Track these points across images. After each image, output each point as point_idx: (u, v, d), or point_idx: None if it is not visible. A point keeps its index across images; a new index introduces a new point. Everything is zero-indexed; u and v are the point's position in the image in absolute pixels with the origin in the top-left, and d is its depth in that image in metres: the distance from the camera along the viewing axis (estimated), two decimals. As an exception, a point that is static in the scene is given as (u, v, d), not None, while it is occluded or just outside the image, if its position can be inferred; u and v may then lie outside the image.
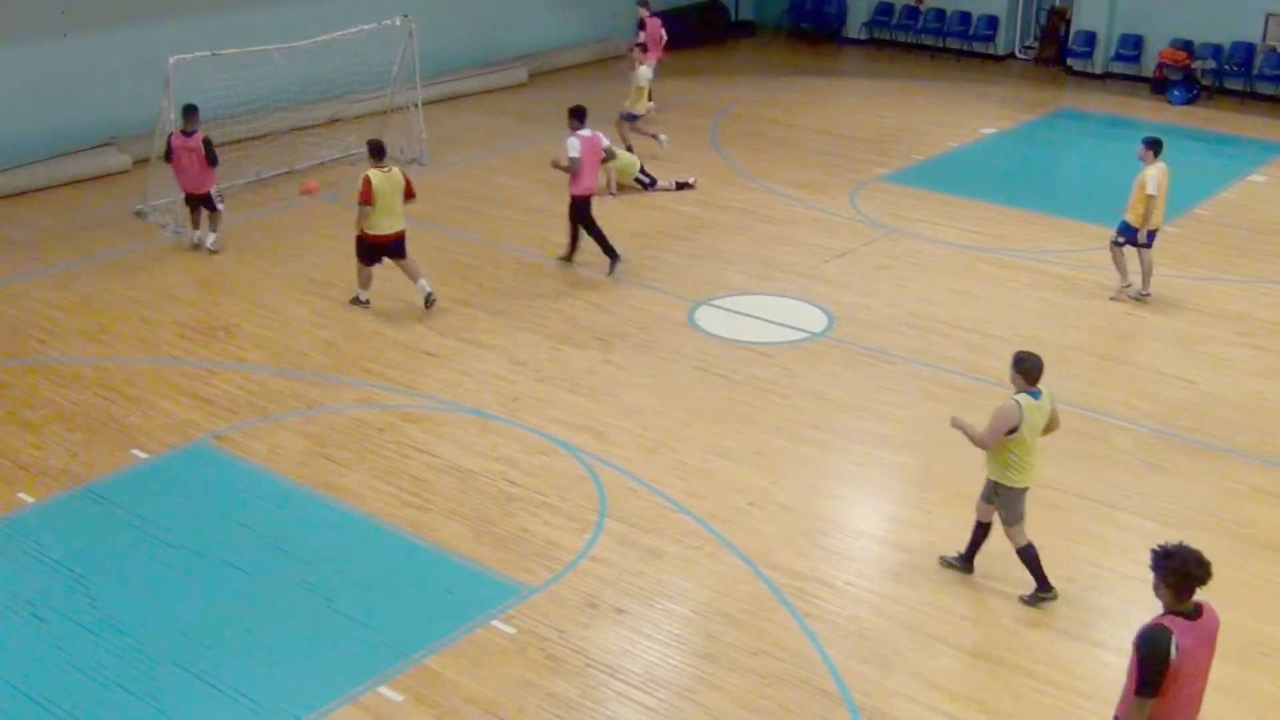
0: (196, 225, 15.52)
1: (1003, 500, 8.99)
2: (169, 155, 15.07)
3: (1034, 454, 8.90)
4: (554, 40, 25.06)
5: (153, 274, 14.80)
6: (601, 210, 16.69)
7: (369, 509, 10.19)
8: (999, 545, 9.21)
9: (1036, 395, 8.77)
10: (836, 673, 8.40)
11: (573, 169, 14.42)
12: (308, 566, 9.45)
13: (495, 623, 8.83)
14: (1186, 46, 23.34)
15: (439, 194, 17.54)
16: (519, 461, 10.89)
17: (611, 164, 17.31)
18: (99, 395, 11.96)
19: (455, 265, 15.09)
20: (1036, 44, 26.15)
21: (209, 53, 16.22)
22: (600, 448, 11.11)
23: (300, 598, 9.12)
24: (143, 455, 10.96)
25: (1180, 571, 6.11)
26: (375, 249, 13.52)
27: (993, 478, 8.98)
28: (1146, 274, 14.19)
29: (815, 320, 13.73)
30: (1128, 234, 14.02)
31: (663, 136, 19.29)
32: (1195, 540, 6.38)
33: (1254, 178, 18.97)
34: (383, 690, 8.20)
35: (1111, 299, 14.29)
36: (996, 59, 26.10)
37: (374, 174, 13.16)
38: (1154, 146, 13.73)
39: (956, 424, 8.93)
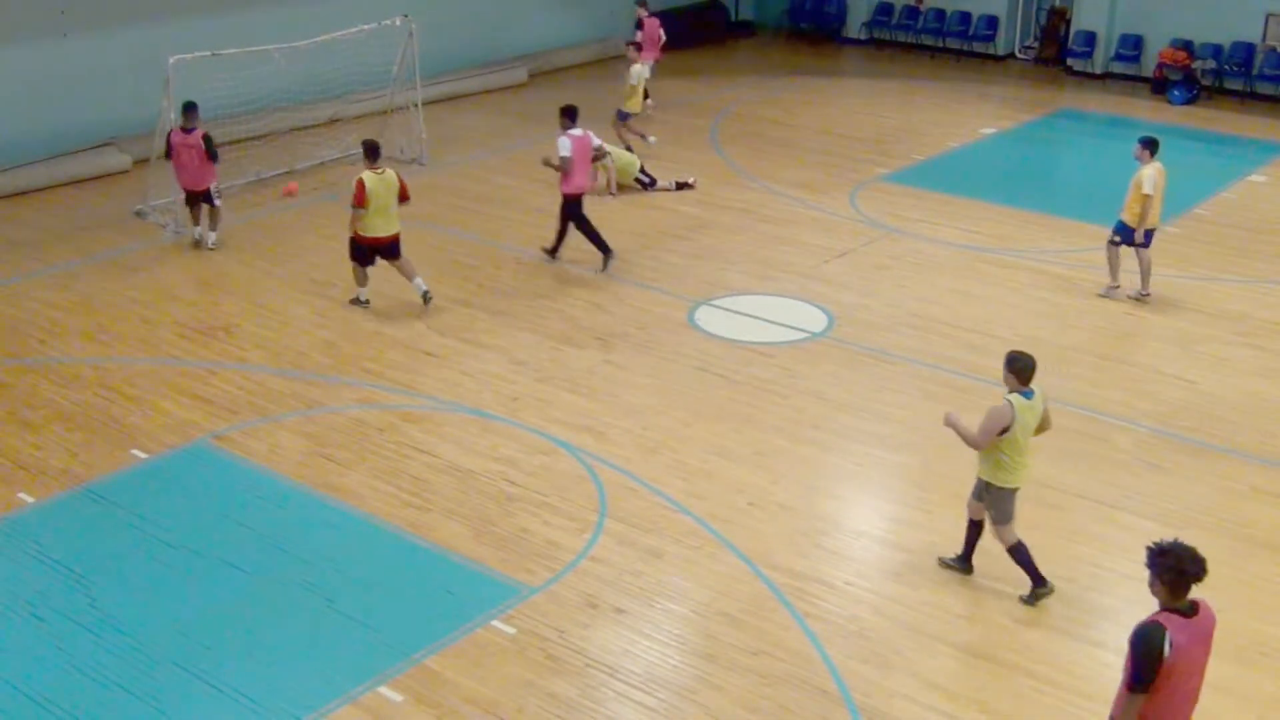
0: (197, 222, 15.55)
1: (992, 499, 9.00)
2: (169, 153, 15.10)
3: (1026, 454, 8.91)
4: (554, 40, 25.07)
5: (153, 274, 14.80)
6: (601, 210, 16.72)
7: (369, 509, 10.19)
8: (997, 545, 9.20)
9: (1029, 395, 8.77)
10: (836, 673, 8.40)
11: (564, 168, 14.45)
12: (308, 566, 9.45)
13: (495, 623, 8.84)
14: (1186, 46, 23.34)
15: (439, 194, 17.56)
16: (519, 461, 10.89)
17: (610, 163, 17.38)
18: (99, 395, 11.96)
19: (455, 265, 15.10)
20: (1036, 44, 26.15)
21: (209, 53, 16.22)
22: (600, 448, 11.11)
23: (300, 598, 9.12)
24: (143, 455, 10.96)
25: (1175, 568, 6.13)
26: (369, 251, 13.53)
27: (984, 477, 8.99)
28: (1145, 274, 14.20)
29: (815, 320, 13.74)
30: (1124, 234, 14.04)
31: (651, 138, 19.28)
32: (1195, 540, 6.38)
33: (1254, 178, 18.97)
34: (383, 690, 8.20)
35: (1099, 295, 14.33)
36: (996, 59, 26.10)
37: (368, 176, 13.15)
38: (1150, 146, 13.74)
39: (950, 423, 8.94)
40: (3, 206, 16.96)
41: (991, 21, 26.02)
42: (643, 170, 17.79)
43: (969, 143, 20.58)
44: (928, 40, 26.72)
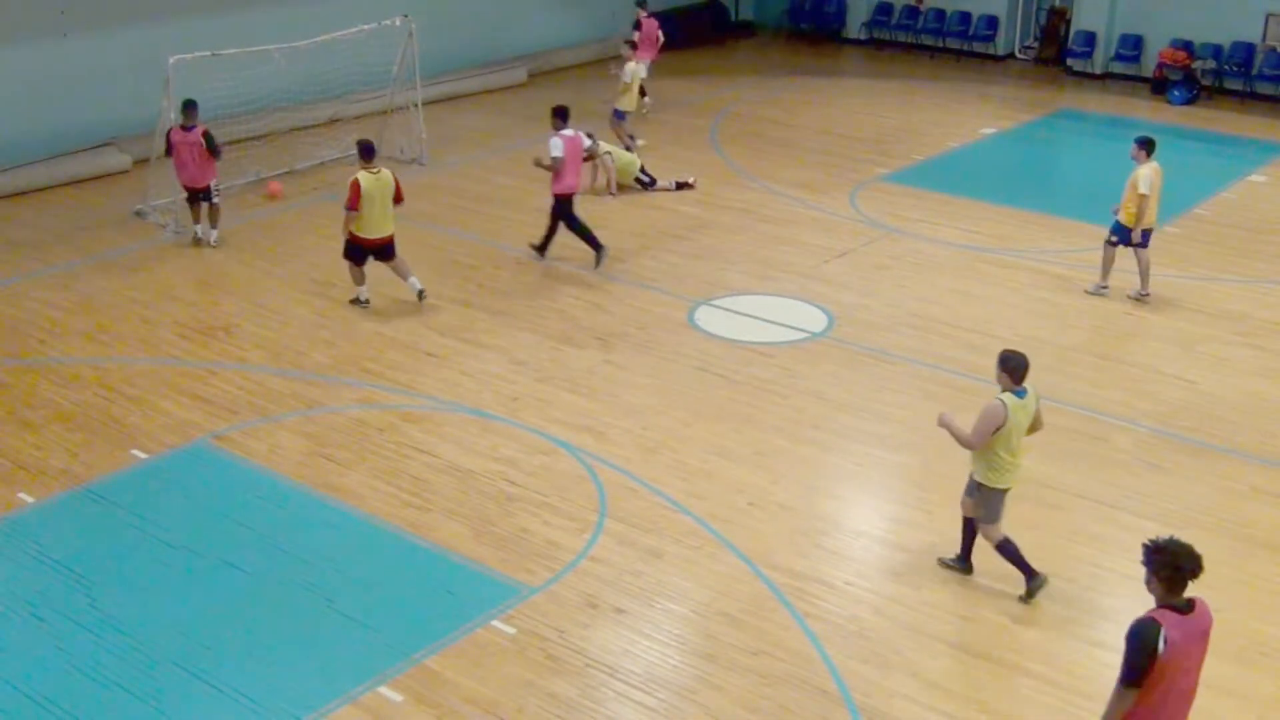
0: (197, 220, 15.58)
1: (982, 499, 9.02)
2: (169, 151, 15.12)
3: (1019, 454, 8.91)
4: (554, 40, 25.07)
5: (153, 274, 14.80)
6: (601, 210, 16.74)
7: (369, 509, 10.19)
8: (999, 545, 9.22)
9: (1021, 394, 8.78)
10: (836, 673, 8.40)
11: (555, 168, 14.49)
12: (308, 566, 9.45)
13: (495, 623, 8.84)
14: (1186, 46, 23.34)
15: (439, 194, 17.56)
16: (519, 461, 10.89)
17: (609, 162, 17.41)
18: (99, 395, 11.96)
19: (455, 265, 15.10)
20: (1036, 44, 26.15)
21: (209, 53, 16.22)
22: (600, 448, 11.11)
23: (300, 598, 9.12)
24: (143, 455, 10.96)
25: (1171, 565, 6.15)
26: (364, 251, 13.54)
27: (976, 478, 8.99)
28: (1145, 274, 14.20)
29: (815, 320, 13.74)
30: (1121, 234, 14.05)
31: (639, 141, 19.26)
32: (1195, 540, 6.38)
33: (1254, 178, 18.97)
34: (383, 690, 8.20)
35: (1087, 293, 14.37)
36: (996, 59, 26.10)
37: (363, 176, 13.17)
38: (1146, 146, 13.76)
39: (943, 424, 8.95)
40: (3, 206, 16.96)
41: (991, 21, 26.03)
42: (643, 170, 17.79)
43: (969, 143, 20.58)
44: (928, 40, 26.71)
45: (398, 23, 18.23)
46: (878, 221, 16.72)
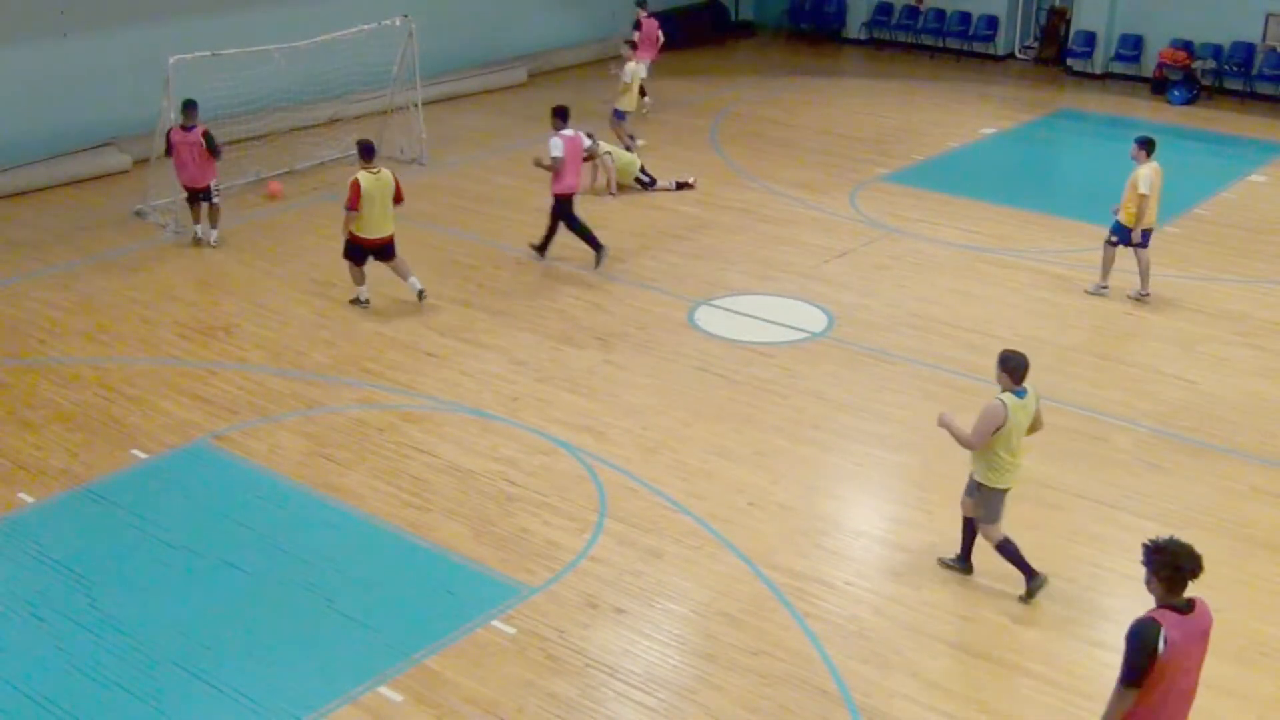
0: (197, 220, 15.59)
1: (982, 499, 9.02)
2: (169, 150, 15.13)
3: (1019, 454, 8.92)
4: (554, 40, 25.07)
5: (153, 274, 14.80)
6: (602, 210, 16.74)
7: (369, 509, 10.19)
8: (999, 545, 9.22)
9: (1021, 394, 8.78)
10: (836, 673, 8.40)
11: (555, 168, 14.49)
12: (308, 566, 9.45)
13: (495, 623, 8.84)
14: (1186, 46, 23.34)
15: (439, 194, 17.56)
16: (519, 461, 10.89)
17: (610, 162, 17.41)
18: (99, 395, 11.96)
19: (455, 265, 15.10)
20: (1036, 44, 26.15)
21: (209, 53, 16.22)
22: (600, 448, 11.11)
23: (300, 598, 9.12)
24: (143, 455, 10.96)
25: (1171, 565, 6.16)
26: (364, 251, 13.55)
27: (976, 478, 8.99)
28: (1145, 274, 14.20)
29: (815, 320, 13.74)
30: (1121, 234, 14.06)
31: (639, 141, 19.25)
32: (1195, 540, 6.38)
33: (1254, 178, 18.97)
34: (383, 690, 8.20)
35: (1087, 292, 14.38)
36: (996, 59, 26.10)
37: (363, 176, 13.17)
38: (1146, 146, 13.77)
39: (943, 424, 8.95)
40: (3, 206, 16.96)
41: (991, 21, 26.02)
42: (643, 170, 17.79)
43: (969, 143, 20.58)
44: (928, 40, 26.71)
45: (398, 23, 18.23)
46: (878, 221, 16.72)
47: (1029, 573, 9.09)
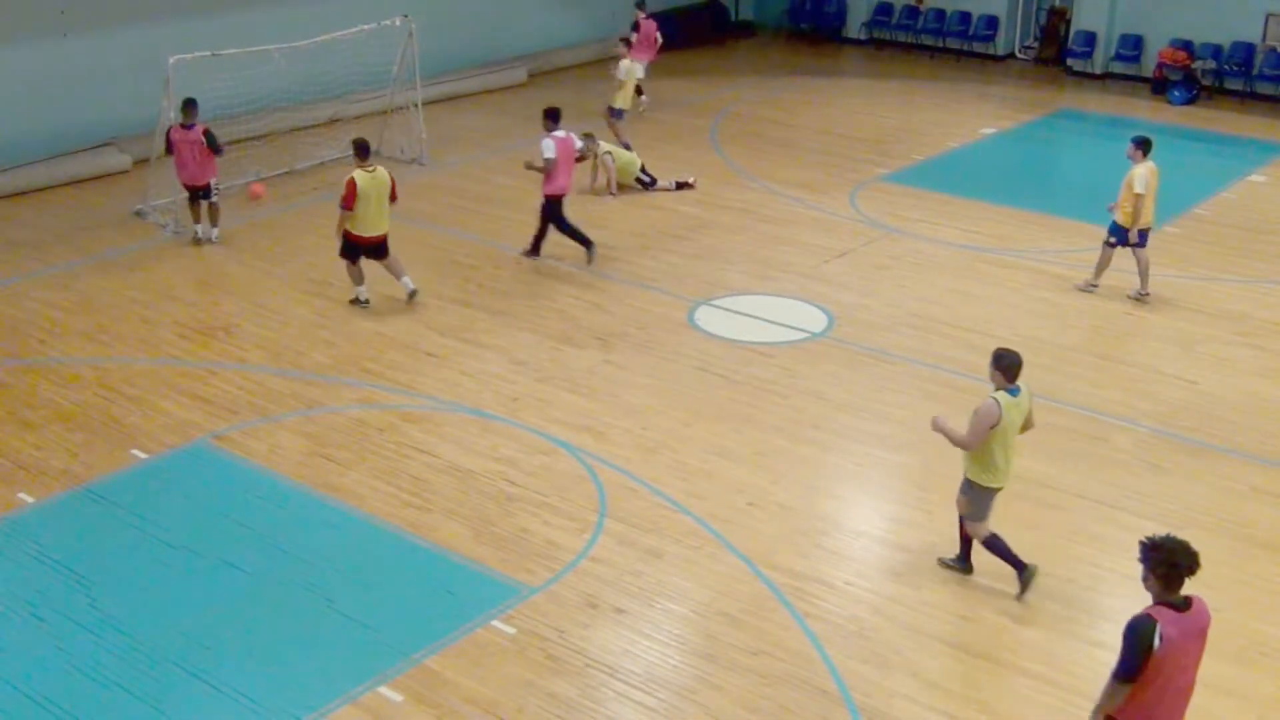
0: (198, 220, 15.60)
1: (972, 496, 9.03)
2: (169, 150, 15.15)
3: (1012, 453, 8.92)
4: (554, 40, 25.07)
5: (152, 274, 14.80)
6: (602, 210, 16.75)
7: (369, 509, 10.19)
8: (999, 545, 9.22)
9: (1015, 392, 8.78)
10: (836, 673, 8.40)
11: (549, 169, 14.50)
12: (308, 566, 9.45)
13: (495, 623, 8.84)
14: (1186, 46, 23.34)
15: (439, 194, 17.56)
16: (519, 461, 10.89)
17: (610, 162, 17.41)
18: (99, 395, 11.96)
19: (455, 265, 15.10)
20: (1036, 44, 26.15)
21: (209, 53, 16.22)
22: (600, 448, 11.11)
23: (300, 598, 9.12)
24: (143, 455, 10.96)
25: (1168, 562, 6.19)
26: (358, 249, 13.56)
27: (969, 476, 8.99)
28: (1144, 274, 14.21)
29: (815, 320, 13.74)
30: (1118, 234, 14.06)
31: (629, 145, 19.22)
32: (1195, 540, 6.39)
33: (1254, 178, 18.97)
34: (383, 690, 8.20)
35: (1077, 288, 14.43)
36: (996, 59, 26.10)
37: (359, 175, 13.18)
38: (1143, 146, 13.79)
39: (938, 427, 8.97)
40: (3, 206, 16.96)
41: (991, 21, 26.02)
42: (643, 170, 17.79)
43: (969, 143, 20.58)
44: (928, 40, 26.71)
45: (398, 23, 18.23)
46: (878, 221, 16.72)
47: (1019, 565, 9.11)
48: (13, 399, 11.87)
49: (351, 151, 13.60)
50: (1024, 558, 9.15)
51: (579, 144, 15.06)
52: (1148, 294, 14.22)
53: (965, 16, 26.26)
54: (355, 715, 8.00)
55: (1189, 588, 6.34)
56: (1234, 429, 11.58)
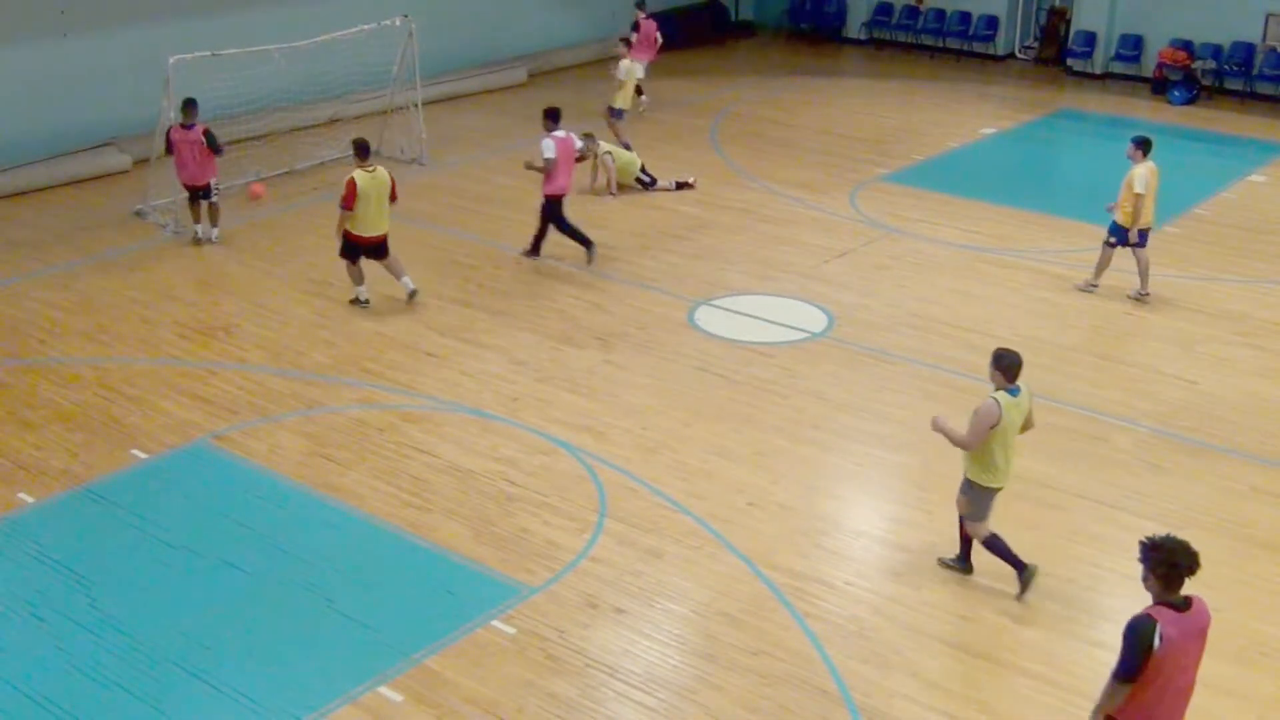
0: (198, 220, 15.61)
1: (972, 497, 9.03)
2: (169, 149, 15.16)
3: (1012, 453, 8.92)
4: (554, 40, 25.07)
5: (152, 274, 14.80)
6: (602, 210, 16.76)
7: (369, 509, 10.19)
8: (999, 545, 9.22)
9: (1015, 392, 8.78)
10: (836, 673, 8.40)
11: (549, 169, 14.51)
12: (308, 566, 9.45)
13: (495, 623, 8.84)
14: (1186, 46, 23.34)
15: (439, 194, 17.56)
16: (519, 461, 10.89)
17: (610, 162, 17.41)
18: (99, 395, 11.96)
19: (455, 265, 15.10)
20: (1036, 44, 26.15)
21: (209, 53, 16.22)
22: (600, 448, 11.11)
23: (300, 598, 9.12)
24: (143, 455, 10.96)
25: (1167, 562, 6.20)
26: (358, 249, 13.56)
27: (969, 476, 8.99)
28: (1144, 273, 14.21)
29: (815, 320, 13.74)
30: (1118, 234, 14.06)
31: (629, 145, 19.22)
32: (1195, 540, 6.39)
33: (1254, 178, 18.97)
34: (383, 690, 8.20)
35: (1077, 288, 14.44)
36: (996, 59, 26.10)
37: (359, 175, 13.19)
38: (1143, 146, 13.80)
39: (938, 427, 8.97)
40: (3, 206, 16.96)
41: (991, 21, 26.02)
42: (643, 169, 17.79)
43: (969, 143, 20.58)
44: (928, 40, 26.71)
45: (398, 23, 18.23)
46: (878, 221, 16.72)
47: (1019, 565, 9.11)
48: (13, 399, 11.87)
49: (351, 151, 13.60)
50: (1025, 558, 9.16)
51: (579, 144, 15.07)
52: (1148, 294, 14.22)
53: (965, 16, 26.26)
54: (355, 715, 8.00)
55: (1189, 588, 6.34)
56: (1234, 429, 11.58)
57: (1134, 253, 14.12)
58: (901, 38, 27.07)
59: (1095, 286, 14.39)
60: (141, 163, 17.52)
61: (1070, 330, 13.57)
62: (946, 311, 13.95)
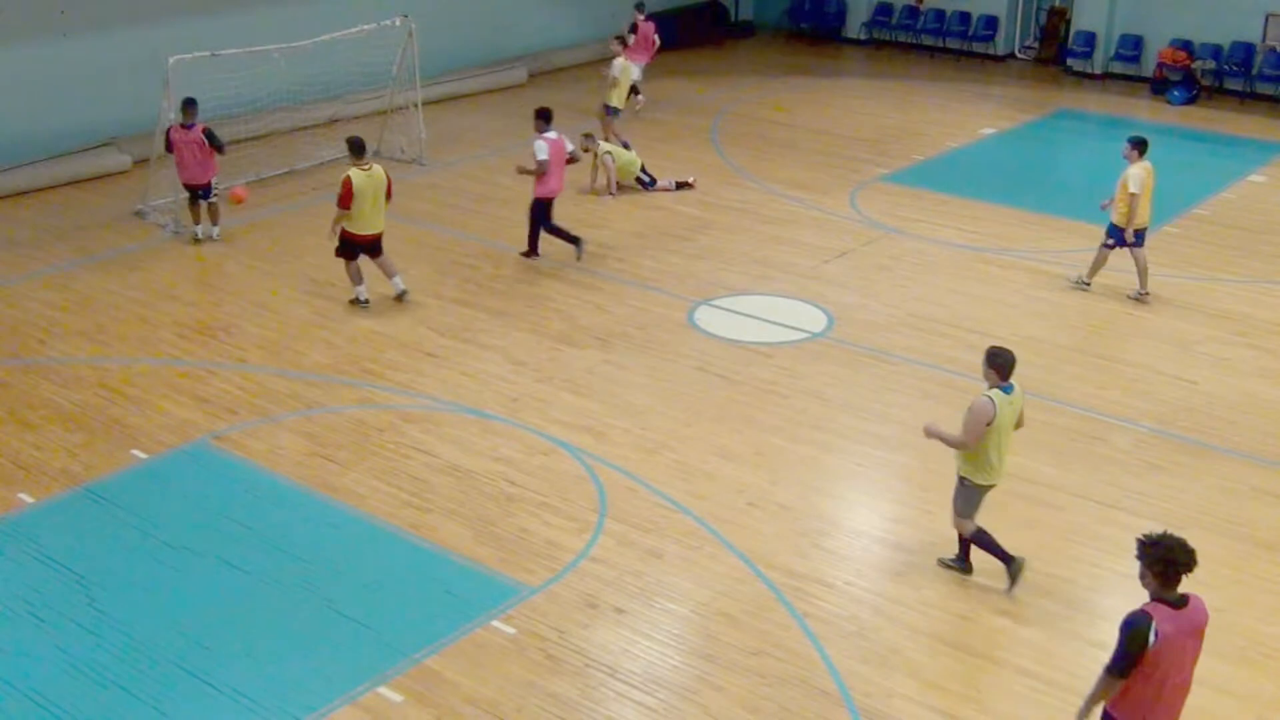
0: (198, 220, 15.62)
1: (963, 493, 9.04)
2: (169, 149, 15.17)
3: (1006, 451, 8.93)
4: (554, 40, 25.08)
5: (152, 274, 14.80)
6: (601, 210, 16.77)
7: (369, 509, 10.19)
8: (999, 545, 9.22)
9: (1008, 390, 8.79)
10: (836, 673, 8.40)
11: (541, 171, 14.50)
12: (308, 566, 9.45)
13: (495, 623, 8.84)
14: (1186, 47, 23.34)
15: (439, 194, 17.57)
16: (519, 461, 10.89)
17: (610, 161, 17.41)
18: (99, 395, 11.96)
19: (455, 265, 15.10)
20: (1036, 44, 26.15)
21: (209, 53, 16.23)
22: (600, 448, 11.11)
23: (300, 598, 9.12)
24: (143, 455, 10.96)
25: (1164, 559, 6.22)
26: (356, 247, 13.58)
27: (962, 474, 9.00)
28: (1142, 274, 14.21)
29: (815, 320, 13.74)
30: (1115, 235, 14.07)
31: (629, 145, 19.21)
32: (1195, 540, 6.40)
33: (1254, 178, 18.97)
34: (383, 690, 8.20)
35: (1070, 282, 14.50)
36: (996, 59, 26.10)
37: (355, 173, 13.19)
38: (1139, 146, 13.81)
39: (932, 433, 9.00)
40: (3, 206, 16.96)
41: (991, 21, 26.03)
42: (643, 169, 17.79)
43: (969, 143, 20.58)
44: (928, 40, 26.72)
45: (398, 23, 18.24)
46: (877, 222, 16.72)
47: (1006, 559, 9.12)
48: (13, 399, 11.87)
49: (347, 151, 13.61)
50: (1024, 557, 9.16)
51: (569, 146, 15.03)
52: (1147, 294, 14.22)
53: (965, 16, 26.26)
54: (355, 715, 8.00)
55: (1189, 588, 6.35)
56: (1234, 429, 11.59)
57: (1131, 253, 14.12)
58: (901, 38, 27.08)
59: (1087, 285, 14.40)
60: (141, 163, 17.53)
61: (1070, 330, 13.57)
62: (946, 312, 13.95)
